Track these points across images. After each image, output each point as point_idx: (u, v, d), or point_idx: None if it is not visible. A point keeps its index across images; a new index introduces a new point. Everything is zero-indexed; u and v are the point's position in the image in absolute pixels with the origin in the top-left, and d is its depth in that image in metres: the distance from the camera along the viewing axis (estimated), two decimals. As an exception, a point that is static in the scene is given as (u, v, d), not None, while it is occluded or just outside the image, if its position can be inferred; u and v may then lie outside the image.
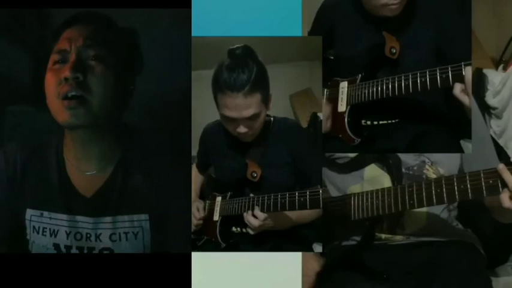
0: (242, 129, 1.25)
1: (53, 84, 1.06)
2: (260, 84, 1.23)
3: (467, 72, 1.03)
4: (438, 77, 1.05)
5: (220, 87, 1.22)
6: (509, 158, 1.48)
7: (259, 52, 1.27)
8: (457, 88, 1.04)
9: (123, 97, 1.13)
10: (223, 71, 1.22)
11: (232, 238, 1.40)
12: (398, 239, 1.14)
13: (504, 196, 0.91)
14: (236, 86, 1.19)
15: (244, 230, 1.36)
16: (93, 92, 1.05)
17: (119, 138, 1.14)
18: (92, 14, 1.14)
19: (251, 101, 1.21)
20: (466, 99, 1.04)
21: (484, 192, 0.92)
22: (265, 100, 1.26)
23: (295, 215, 1.32)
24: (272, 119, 1.39)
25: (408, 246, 1.13)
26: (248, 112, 1.22)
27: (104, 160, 1.14)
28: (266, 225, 1.25)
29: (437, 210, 1.15)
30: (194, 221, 1.44)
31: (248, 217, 1.25)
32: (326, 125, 1.25)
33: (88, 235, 1.14)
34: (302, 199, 1.15)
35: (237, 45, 1.24)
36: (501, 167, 0.90)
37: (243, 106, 1.21)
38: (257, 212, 1.23)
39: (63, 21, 1.11)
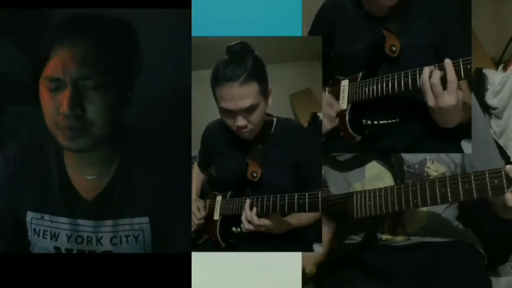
0: (240, 121, 1.25)
1: (51, 111, 1.03)
2: (257, 75, 1.24)
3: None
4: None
5: (217, 80, 1.24)
6: (509, 158, 1.48)
7: (259, 52, 1.27)
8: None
9: (123, 107, 1.10)
10: (220, 66, 1.24)
11: (232, 238, 1.40)
12: (399, 239, 1.14)
13: (509, 196, 0.91)
14: (232, 76, 1.21)
15: (243, 230, 1.36)
16: (93, 121, 1.03)
17: (119, 140, 1.13)
18: (82, 20, 1.07)
19: (247, 90, 1.22)
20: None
21: (490, 192, 0.92)
22: (264, 92, 1.26)
23: (295, 220, 1.32)
24: (275, 119, 1.39)
25: (409, 246, 1.13)
26: (245, 102, 1.22)
27: (104, 164, 1.13)
28: (264, 227, 1.25)
29: (438, 210, 1.15)
30: (195, 221, 1.44)
31: (243, 219, 1.25)
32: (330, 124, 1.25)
33: (89, 238, 1.14)
34: (301, 201, 1.15)
35: (235, 42, 1.25)
36: (509, 167, 0.91)
37: (239, 96, 1.22)
38: (253, 216, 1.23)
39: (52, 33, 1.05)
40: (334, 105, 1.23)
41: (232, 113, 1.25)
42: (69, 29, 1.04)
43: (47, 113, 1.04)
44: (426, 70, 1.05)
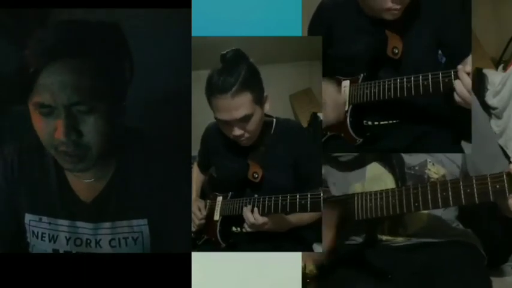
0: (237, 131, 1.25)
1: (45, 134, 1.00)
2: (250, 85, 1.23)
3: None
4: (441, 81, 1.05)
5: (211, 90, 1.24)
6: (509, 158, 1.48)
7: (259, 52, 1.27)
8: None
9: (118, 118, 1.06)
10: (214, 76, 1.23)
11: (232, 238, 1.40)
12: (400, 240, 1.14)
13: None
14: (224, 87, 1.20)
15: (244, 230, 1.36)
16: (90, 145, 1.00)
17: (117, 141, 1.11)
18: (67, 40, 0.98)
19: (240, 101, 1.21)
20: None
21: (491, 196, 0.92)
22: (258, 101, 1.26)
23: (295, 218, 1.32)
24: (274, 120, 1.39)
25: (409, 247, 1.13)
26: (238, 113, 1.22)
27: (101, 168, 1.10)
28: (267, 225, 1.25)
29: (439, 210, 1.14)
30: (196, 221, 1.43)
31: (247, 213, 1.25)
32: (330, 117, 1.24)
33: (88, 241, 1.13)
34: (303, 201, 1.15)
35: (227, 50, 1.25)
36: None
37: (232, 107, 1.22)
38: (256, 215, 1.23)
39: (38, 56, 0.96)
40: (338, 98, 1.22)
41: (228, 123, 1.25)
42: (56, 51, 0.96)
43: (41, 135, 1.01)
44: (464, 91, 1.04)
